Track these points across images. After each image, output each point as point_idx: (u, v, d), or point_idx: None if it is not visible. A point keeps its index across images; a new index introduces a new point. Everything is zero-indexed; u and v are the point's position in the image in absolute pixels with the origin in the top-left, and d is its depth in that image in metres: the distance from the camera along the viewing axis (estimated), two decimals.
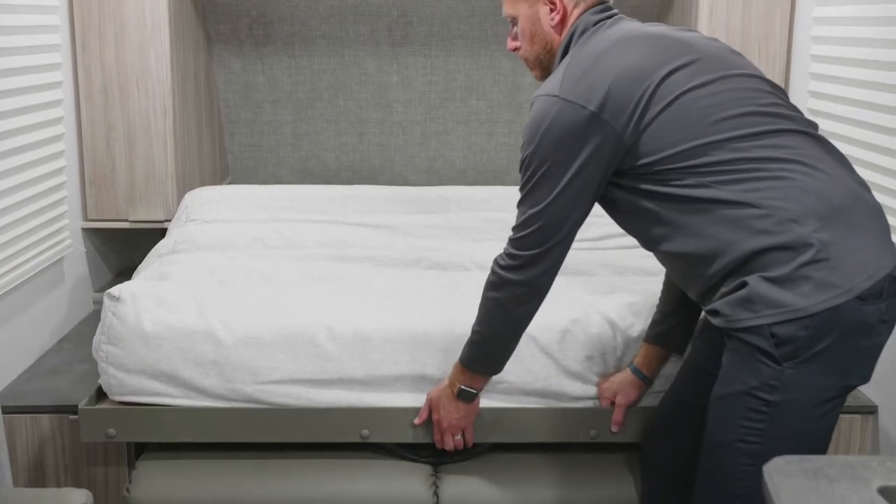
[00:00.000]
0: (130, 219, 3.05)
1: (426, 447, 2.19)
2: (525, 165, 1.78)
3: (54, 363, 2.57)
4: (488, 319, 1.90)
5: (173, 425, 2.12)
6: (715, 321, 1.68)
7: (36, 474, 2.31)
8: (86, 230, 3.05)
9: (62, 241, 2.79)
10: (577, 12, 1.82)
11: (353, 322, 2.13)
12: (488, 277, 1.87)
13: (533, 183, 1.76)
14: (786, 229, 1.58)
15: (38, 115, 2.60)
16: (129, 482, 2.16)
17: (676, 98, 1.66)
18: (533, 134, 1.74)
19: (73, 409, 2.22)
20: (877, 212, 1.66)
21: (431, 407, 2.08)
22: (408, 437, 2.15)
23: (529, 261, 1.79)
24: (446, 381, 2.05)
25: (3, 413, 2.16)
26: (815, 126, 1.73)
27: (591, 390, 2.15)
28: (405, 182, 3.94)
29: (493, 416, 2.14)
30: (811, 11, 2.80)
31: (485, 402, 2.11)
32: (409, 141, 3.88)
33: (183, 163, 3.14)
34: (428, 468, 2.19)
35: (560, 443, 2.19)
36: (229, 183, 3.91)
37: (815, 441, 1.64)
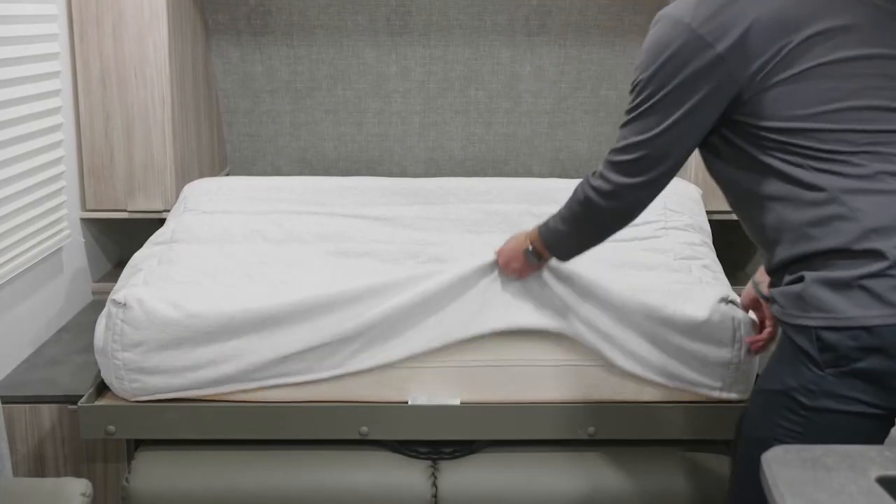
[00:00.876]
0: (129, 209, 3.04)
1: (425, 444, 2.19)
2: (638, 89, 1.68)
3: (53, 353, 2.57)
4: (571, 219, 1.91)
5: (172, 422, 2.12)
6: (773, 308, 1.66)
7: (35, 464, 2.31)
8: (84, 220, 3.05)
9: (61, 231, 2.79)
10: None
11: (367, 307, 2.13)
12: (577, 188, 1.86)
13: (643, 110, 1.68)
14: (864, 237, 1.51)
15: (36, 105, 2.60)
16: (129, 472, 2.16)
17: (812, 68, 1.55)
18: (653, 58, 1.63)
19: (72, 400, 2.23)
20: None
21: (502, 250, 2.14)
22: (407, 433, 2.15)
23: (622, 190, 1.76)
24: (524, 232, 2.09)
25: (3, 403, 2.16)
26: None
27: None
28: (404, 172, 3.94)
29: (492, 413, 2.14)
30: None
31: (493, 397, 2.12)
32: (408, 131, 3.88)
33: (181, 153, 3.13)
34: (427, 460, 2.20)
35: (558, 439, 2.20)
36: (227, 173, 3.91)
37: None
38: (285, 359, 2.10)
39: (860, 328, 1.50)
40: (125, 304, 2.12)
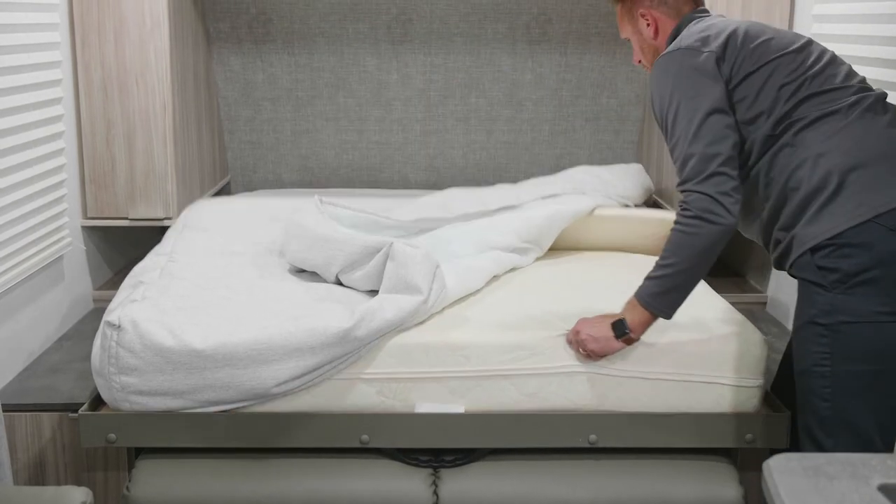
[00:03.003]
0: (130, 216, 3.04)
1: (426, 452, 2.19)
2: (663, 116, 1.99)
3: (54, 361, 2.57)
4: (673, 258, 1.95)
5: (173, 430, 2.12)
6: (783, 264, 1.95)
7: (36, 472, 2.31)
8: (85, 228, 3.05)
9: (62, 239, 2.79)
10: (672, 21, 2.10)
11: (362, 328, 2.11)
12: (676, 219, 1.95)
13: (674, 124, 1.96)
14: (819, 172, 1.84)
15: (37, 112, 2.60)
16: (129, 480, 2.16)
17: (768, 62, 1.95)
18: (663, 85, 1.99)
19: (73, 408, 2.22)
20: None
21: (590, 336, 2.09)
22: (407, 442, 2.15)
23: (698, 200, 1.90)
24: (608, 318, 2.07)
25: (4, 411, 2.16)
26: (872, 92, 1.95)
27: None
28: (405, 180, 3.95)
29: (493, 421, 2.14)
30: (811, 9, 2.80)
31: (488, 406, 2.12)
32: (409, 139, 3.89)
33: (182, 160, 3.13)
34: (428, 469, 2.19)
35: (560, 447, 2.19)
36: (228, 181, 3.92)
37: (883, 360, 1.80)
38: (286, 382, 2.09)
39: (845, 244, 1.79)
40: (119, 326, 2.09)
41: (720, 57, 1.95)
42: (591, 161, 3.92)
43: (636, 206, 3.20)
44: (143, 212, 3.04)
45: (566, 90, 3.81)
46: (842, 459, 1.20)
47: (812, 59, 1.95)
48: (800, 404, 1.93)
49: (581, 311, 2.16)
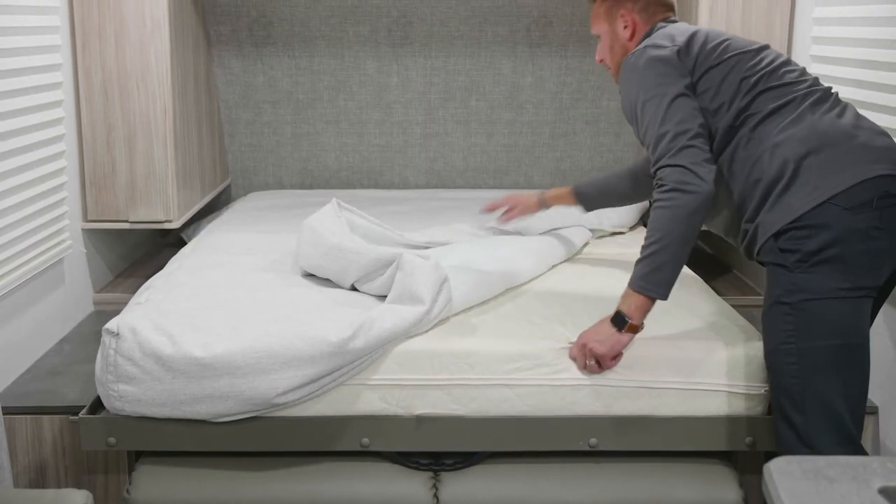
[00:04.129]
0: (130, 219, 3.04)
1: (426, 455, 2.19)
2: (633, 107, 2.09)
3: (55, 364, 2.57)
4: (658, 229, 1.99)
5: (173, 434, 2.11)
6: (749, 252, 2.05)
7: (36, 475, 2.31)
8: (86, 231, 3.05)
9: (62, 241, 2.79)
10: (646, 27, 2.21)
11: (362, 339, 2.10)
12: (654, 197, 2.02)
13: (643, 111, 2.05)
14: (776, 161, 1.95)
15: (38, 115, 2.60)
16: (130, 484, 2.16)
17: (729, 58, 2.07)
18: (632, 78, 2.09)
19: (73, 411, 2.22)
20: (875, 135, 1.96)
21: (594, 340, 2.07)
22: (407, 445, 2.15)
23: (671, 170, 1.98)
24: (608, 317, 2.08)
25: (4, 414, 2.16)
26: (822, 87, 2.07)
27: None
28: (405, 182, 3.95)
29: (493, 425, 2.13)
30: (811, 12, 2.80)
31: (511, 410, 2.12)
32: (409, 141, 3.89)
33: (183, 163, 3.14)
34: (428, 472, 2.19)
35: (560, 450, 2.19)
36: (229, 184, 3.92)
37: (847, 334, 1.88)
38: (286, 393, 2.07)
39: (804, 226, 1.88)
40: (118, 334, 2.08)
41: (682, 51, 2.07)
42: (592, 163, 3.92)
43: (631, 228, 3.19)
44: (144, 214, 3.04)
45: (566, 93, 3.81)
46: (842, 462, 1.19)
47: (769, 58, 2.08)
48: (771, 385, 2.01)
49: (587, 321, 2.15)
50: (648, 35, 2.18)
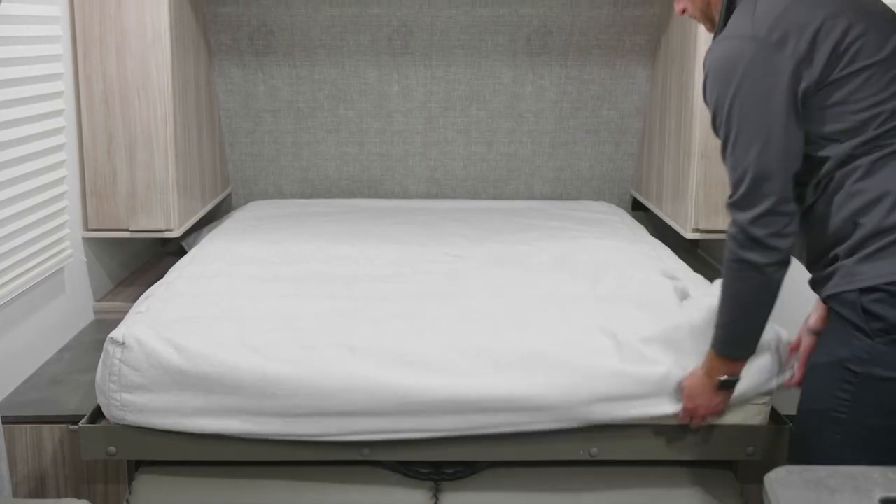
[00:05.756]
0: (131, 228, 3.04)
1: (426, 465, 2.18)
2: (726, 117, 1.72)
3: (55, 373, 2.57)
4: (730, 300, 1.83)
5: (173, 443, 2.11)
6: (821, 291, 1.77)
7: (36, 485, 2.30)
8: (86, 239, 3.05)
9: (63, 250, 2.79)
10: None
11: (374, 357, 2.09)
12: (729, 252, 1.78)
13: (739, 133, 1.70)
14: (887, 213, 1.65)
15: (39, 124, 2.60)
16: (129, 493, 2.16)
17: (860, 70, 1.67)
18: (727, 79, 1.69)
19: (73, 420, 2.22)
20: None
21: (685, 395, 2.02)
22: (408, 455, 2.15)
23: (751, 229, 1.72)
24: (701, 370, 1.98)
25: (4, 423, 2.16)
26: None
27: None
28: (405, 191, 3.95)
29: (493, 435, 2.13)
30: None
31: (493, 420, 2.12)
32: (410, 151, 3.89)
33: (183, 172, 3.14)
34: (429, 481, 2.19)
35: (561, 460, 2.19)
36: (229, 193, 3.92)
37: None
38: (293, 420, 2.06)
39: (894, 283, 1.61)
40: (123, 344, 2.08)
41: (802, 55, 1.68)
42: (592, 172, 3.92)
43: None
44: (144, 223, 3.04)
45: (567, 102, 3.82)
46: (843, 472, 1.19)
47: None
48: (798, 439, 1.85)
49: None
50: None
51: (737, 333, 1.89)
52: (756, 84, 1.68)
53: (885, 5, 1.78)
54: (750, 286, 1.79)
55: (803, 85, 1.67)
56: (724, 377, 1.95)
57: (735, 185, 1.74)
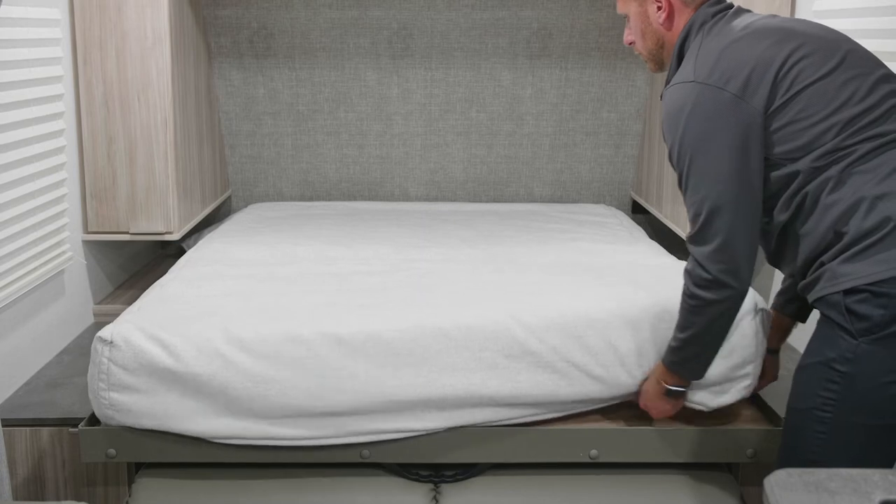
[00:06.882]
0: (131, 231, 3.05)
1: (426, 467, 2.18)
2: (677, 157, 1.81)
3: (54, 376, 2.57)
4: (684, 327, 1.93)
5: (173, 446, 2.11)
6: (808, 296, 1.79)
7: (35, 487, 2.30)
8: (86, 242, 3.05)
9: (63, 253, 2.79)
10: (688, 11, 1.91)
11: (364, 355, 2.09)
12: (684, 286, 1.88)
13: (690, 170, 1.79)
14: (875, 216, 1.67)
15: (39, 127, 2.61)
16: (129, 496, 2.16)
17: (804, 88, 1.74)
18: (676, 122, 1.80)
19: (73, 423, 2.22)
20: None
21: (640, 396, 2.14)
22: (407, 457, 2.15)
23: (708, 264, 1.80)
24: (653, 376, 2.09)
25: (3, 426, 2.16)
26: None
27: None
28: (405, 194, 3.95)
29: (493, 436, 2.13)
30: (812, 5, 2.79)
31: (495, 415, 2.11)
32: (410, 153, 3.89)
33: (183, 175, 3.14)
34: (428, 483, 2.19)
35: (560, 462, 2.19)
36: (229, 195, 3.92)
37: (885, 415, 1.67)
38: (279, 422, 2.07)
39: (880, 293, 1.63)
40: (111, 342, 2.08)
41: (743, 92, 1.76)
42: (592, 175, 3.92)
43: None
44: (144, 226, 3.04)
45: (566, 105, 3.82)
46: (843, 475, 1.19)
47: (860, 80, 1.75)
48: (786, 439, 1.84)
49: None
50: (689, 31, 1.88)
51: (688, 358, 1.99)
52: (700, 124, 1.76)
53: (824, 26, 1.85)
54: (702, 321, 1.88)
55: (748, 118, 1.75)
56: (672, 387, 2.05)
57: (692, 221, 1.82)
